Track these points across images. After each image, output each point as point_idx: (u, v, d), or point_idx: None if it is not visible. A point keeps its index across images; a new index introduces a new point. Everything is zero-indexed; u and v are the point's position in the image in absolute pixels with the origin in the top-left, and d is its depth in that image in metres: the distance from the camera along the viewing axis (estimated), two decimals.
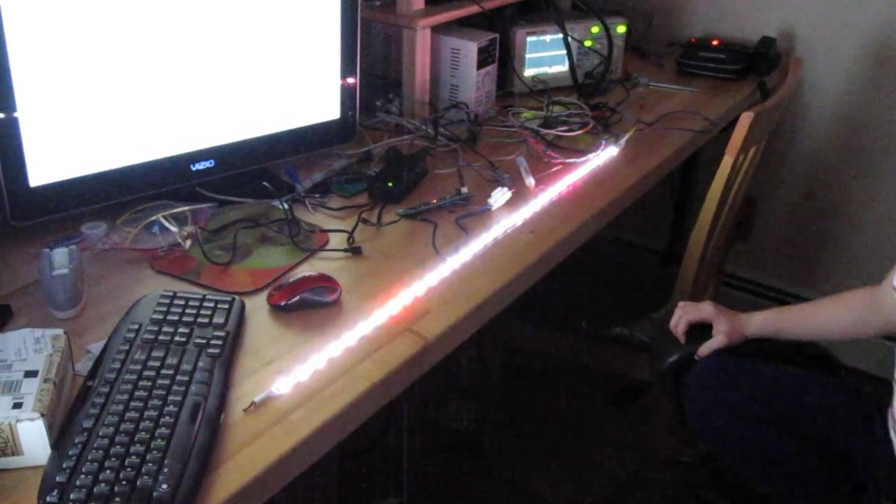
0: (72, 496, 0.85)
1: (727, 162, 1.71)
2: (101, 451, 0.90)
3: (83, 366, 1.07)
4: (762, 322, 1.53)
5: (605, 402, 2.38)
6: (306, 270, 1.31)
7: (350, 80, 1.63)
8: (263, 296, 1.24)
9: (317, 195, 1.56)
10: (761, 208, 2.77)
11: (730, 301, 1.61)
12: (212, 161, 1.49)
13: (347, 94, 1.65)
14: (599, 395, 2.39)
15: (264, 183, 1.48)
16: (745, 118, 1.65)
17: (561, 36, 2.11)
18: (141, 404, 0.97)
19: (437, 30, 1.89)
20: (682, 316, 1.57)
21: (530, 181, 1.63)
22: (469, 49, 1.89)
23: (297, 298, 1.20)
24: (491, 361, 2.38)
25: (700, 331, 1.56)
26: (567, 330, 2.12)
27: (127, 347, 1.07)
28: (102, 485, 0.86)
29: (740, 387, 1.49)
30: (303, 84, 1.58)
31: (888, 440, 1.37)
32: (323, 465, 1.80)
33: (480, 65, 1.91)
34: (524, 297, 2.17)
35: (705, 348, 1.52)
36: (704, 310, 1.56)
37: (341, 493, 1.97)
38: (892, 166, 2.42)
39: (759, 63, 2.37)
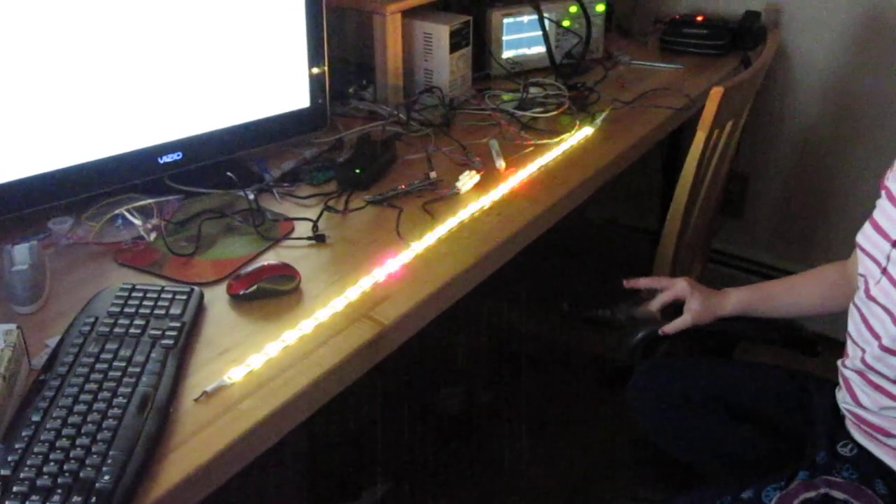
0: (14, 489, 0.85)
1: (700, 138, 1.70)
2: (47, 444, 0.91)
3: (41, 360, 1.08)
4: (737, 301, 1.52)
5: (597, 384, 2.38)
6: (268, 259, 1.31)
7: (318, 69, 1.63)
8: (224, 286, 1.24)
9: (285, 184, 1.56)
10: (753, 185, 2.76)
11: (722, 279, 1.60)
12: (179, 153, 1.49)
13: (316, 83, 1.64)
14: (588, 376, 2.39)
15: (228, 173, 1.48)
16: (715, 93, 1.64)
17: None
18: (91, 396, 0.98)
19: (409, 14, 1.89)
20: (657, 299, 1.57)
21: (501, 164, 1.62)
22: (441, 33, 1.88)
23: (255, 287, 1.20)
24: (480, 345, 2.38)
25: (676, 308, 1.55)
26: (555, 312, 2.13)
27: (81, 340, 1.07)
28: (45, 477, 0.87)
29: (675, 376, 1.50)
30: (270, 74, 1.57)
31: (831, 397, 1.38)
32: (313, 452, 1.82)
33: (454, 48, 1.90)
34: (513, 281, 2.18)
35: (671, 327, 1.51)
36: (678, 286, 1.55)
37: (331, 480, 1.99)
38: (881, 138, 2.39)
39: (743, 38, 2.36)
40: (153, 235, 1.36)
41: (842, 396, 1.36)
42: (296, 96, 1.63)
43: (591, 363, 2.35)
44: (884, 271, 1.25)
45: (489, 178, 1.58)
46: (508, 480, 2.15)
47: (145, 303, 1.15)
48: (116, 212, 1.38)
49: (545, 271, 2.19)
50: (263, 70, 1.56)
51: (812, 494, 1.25)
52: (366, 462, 2.04)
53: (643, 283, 1.60)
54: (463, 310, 2.16)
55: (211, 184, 1.51)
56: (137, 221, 1.36)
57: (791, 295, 1.53)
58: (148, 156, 1.45)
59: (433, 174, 1.56)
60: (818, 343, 1.55)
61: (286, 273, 1.24)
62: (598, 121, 1.84)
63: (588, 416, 2.33)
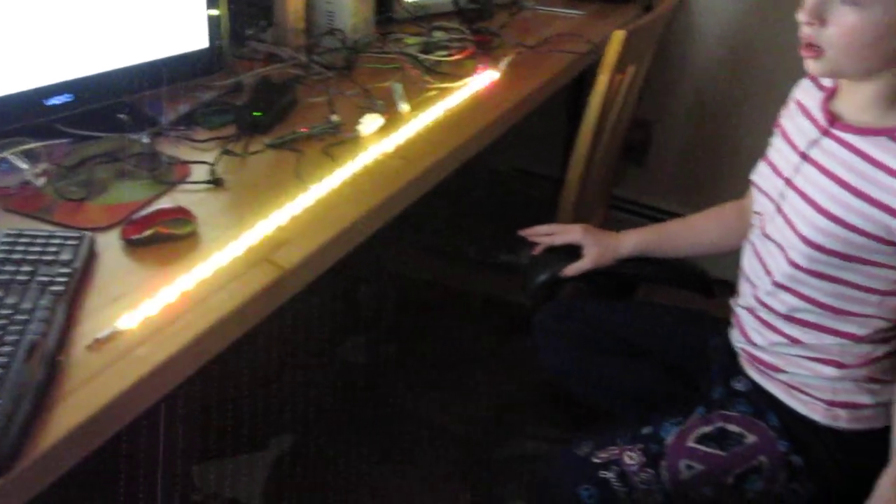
0: None
1: (602, 81, 1.71)
2: None
3: None
4: (635, 241, 1.55)
5: (503, 329, 2.40)
6: (164, 203, 1.27)
7: (215, 8, 1.57)
8: (118, 231, 1.20)
9: (182, 127, 1.51)
10: (656, 132, 2.80)
11: (624, 225, 1.62)
12: (69, 95, 1.43)
13: (214, 23, 1.59)
14: (494, 322, 2.41)
15: (120, 115, 1.42)
16: (617, 36, 1.65)
17: None
18: None
19: None
20: (552, 239, 1.59)
21: (404, 107, 1.61)
22: None
23: (150, 232, 1.17)
24: (386, 294, 2.38)
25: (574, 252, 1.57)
26: (459, 259, 2.13)
27: None
28: None
29: (575, 319, 1.53)
30: (165, 12, 1.51)
31: (726, 336, 1.43)
32: (217, 403, 1.79)
33: None
34: (415, 228, 2.17)
35: (571, 268, 1.53)
36: (572, 232, 1.57)
37: (238, 430, 1.97)
38: (779, 84, 2.44)
39: None
40: (42, 181, 1.30)
41: (735, 334, 1.40)
42: (192, 37, 1.57)
43: (497, 309, 2.37)
44: (778, 209, 1.28)
45: (392, 121, 1.57)
46: (414, 427, 2.16)
47: (33, 249, 1.10)
48: (1, 156, 1.31)
49: (450, 219, 2.19)
50: (157, 8, 1.50)
51: (709, 429, 1.29)
52: (272, 412, 2.03)
53: (539, 230, 1.62)
54: (368, 259, 2.15)
55: (103, 127, 1.45)
56: (25, 166, 1.30)
57: (689, 234, 1.56)
58: (34, 98, 1.38)
59: (335, 117, 1.53)
60: (714, 283, 1.59)
61: (182, 217, 1.20)
62: (503, 65, 1.83)
63: (493, 361, 2.35)
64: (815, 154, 1.24)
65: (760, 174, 1.35)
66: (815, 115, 1.27)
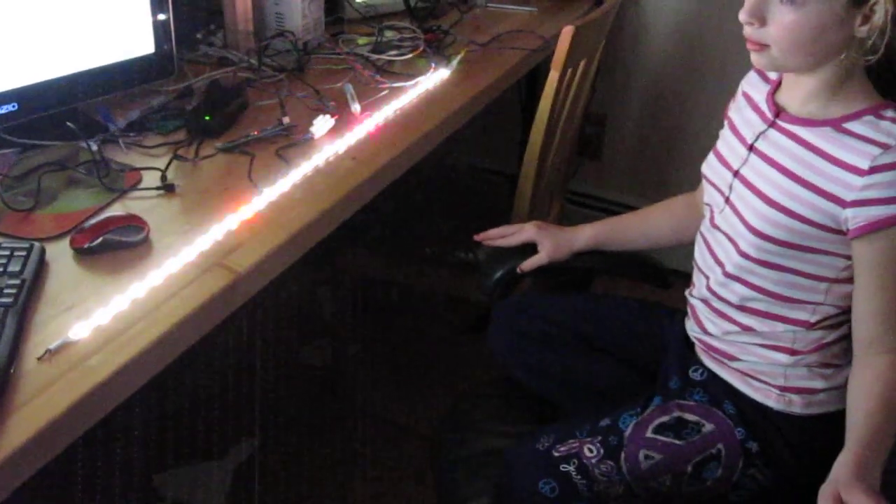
0: None
1: (553, 77, 1.72)
2: None
3: None
4: (590, 235, 1.56)
5: (461, 327, 2.41)
6: (114, 211, 1.26)
7: (162, 13, 1.56)
8: (67, 241, 1.18)
9: (132, 134, 1.49)
10: (611, 126, 2.82)
11: (580, 219, 1.63)
12: (14, 104, 1.40)
13: (161, 27, 1.57)
14: (452, 320, 2.42)
15: (68, 123, 1.40)
16: (567, 32, 1.66)
17: None
18: None
19: None
20: (507, 241, 1.60)
21: (356, 107, 1.60)
22: None
23: (100, 240, 1.15)
24: (345, 297, 2.37)
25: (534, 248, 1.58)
26: (416, 259, 2.13)
27: None
28: None
29: (532, 314, 1.54)
30: (110, 18, 1.49)
31: (681, 326, 1.44)
32: (176, 410, 1.78)
33: None
34: (373, 229, 2.17)
35: (527, 263, 1.54)
36: (526, 231, 1.58)
37: (196, 437, 1.95)
38: (728, 76, 2.48)
39: None
40: None
41: (690, 325, 1.42)
42: (139, 42, 1.56)
43: (455, 307, 2.38)
44: (727, 200, 1.30)
45: (344, 122, 1.56)
46: (375, 426, 2.16)
47: None
48: None
49: (407, 219, 2.19)
50: (102, 14, 1.48)
51: (666, 418, 1.30)
52: (231, 420, 2.02)
53: (492, 234, 1.62)
54: (326, 260, 2.15)
55: (51, 136, 1.43)
56: None
57: (642, 226, 1.58)
58: None
59: (286, 119, 1.52)
60: (669, 275, 1.61)
61: (133, 224, 1.19)
62: (454, 63, 1.84)
63: (452, 359, 2.36)
64: (761, 146, 1.26)
65: (710, 166, 1.37)
66: (762, 108, 1.29)
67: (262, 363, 2.09)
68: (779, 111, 1.25)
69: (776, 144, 1.24)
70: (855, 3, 1.09)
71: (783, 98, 1.26)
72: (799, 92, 1.22)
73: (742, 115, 1.33)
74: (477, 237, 1.62)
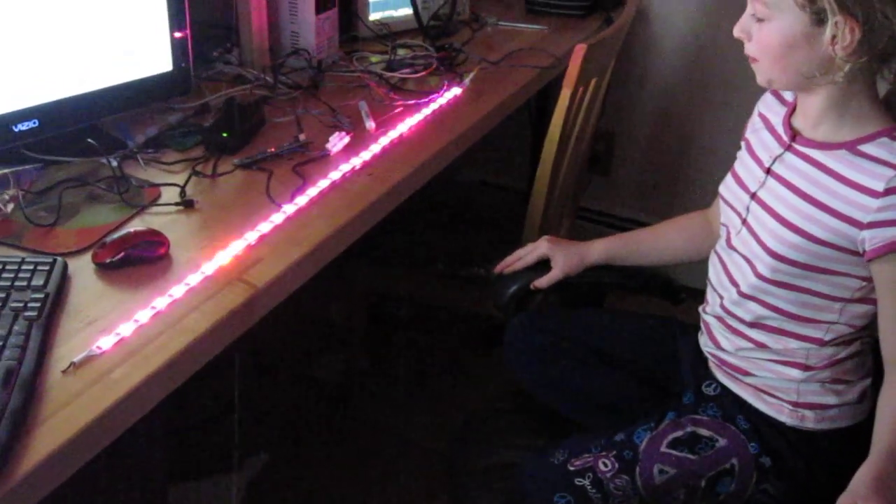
0: None
1: (565, 95, 1.73)
2: None
3: None
4: (603, 249, 1.57)
5: (475, 342, 2.42)
6: (135, 226, 1.27)
7: (179, 31, 1.58)
8: (89, 255, 1.20)
9: (150, 150, 1.51)
10: (620, 142, 2.83)
11: (590, 235, 1.64)
12: (35, 121, 1.43)
13: (178, 46, 1.60)
14: (465, 335, 2.42)
15: (89, 140, 1.43)
16: (579, 50, 1.67)
17: None
18: None
19: None
20: (523, 262, 1.61)
21: (370, 125, 1.62)
22: None
23: (122, 255, 1.17)
24: (357, 310, 2.39)
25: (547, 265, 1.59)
26: (430, 273, 2.14)
27: None
28: None
29: (546, 329, 1.55)
30: (129, 36, 1.52)
31: (695, 342, 1.46)
32: (190, 425, 1.79)
33: (319, 9, 1.88)
34: (386, 243, 2.18)
35: (542, 280, 1.55)
36: (540, 248, 1.59)
37: (209, 449, 1.97)
38: (738, 95, 2.49)
39: None
40: (10, 207, 1.30)
41: (703, 341, 1.43)
42: (157, 60, 1.58)
43: (468, 322, 2.39)
44: (744, 222, 1.32)
45: (359, 139, 1.58)
46: (387, 440, 2.17)
47: (4, 275, 1.10)
48: None
49: (419, 234, 2.21)
50: (121, 32, 1.50)
51: (680, 433, 1.31)
52: (245, 433, 2.03)
53: (510, 261, 1.63)
54: (339, 275, 2.16)
55: (71, 152, 1.46)
56: None
57: (655, 242, 1.59)
58: (1, 124, 1.39)
59: (302, 136, 1.54)
60: (682, 291, 1.62)
61: (154, 239, 1.21)
62: (467, 81, 1.86)
63: (466, 373, 2.37)
64: (778, 169, 1.28)
65: (727, 186, 1.39)
66: (779, 131, 1.30)
67: (276, 376, 2.11)
68: (794, 134, 1.27)
69: (793, 167, 1.25)
70: (817, 21, 1.12)
71: (798, 122, 1.28)
72: (809, 115, 1.25)
73: (758, 136, 1.35)
74: (496, 269, 1.63)
